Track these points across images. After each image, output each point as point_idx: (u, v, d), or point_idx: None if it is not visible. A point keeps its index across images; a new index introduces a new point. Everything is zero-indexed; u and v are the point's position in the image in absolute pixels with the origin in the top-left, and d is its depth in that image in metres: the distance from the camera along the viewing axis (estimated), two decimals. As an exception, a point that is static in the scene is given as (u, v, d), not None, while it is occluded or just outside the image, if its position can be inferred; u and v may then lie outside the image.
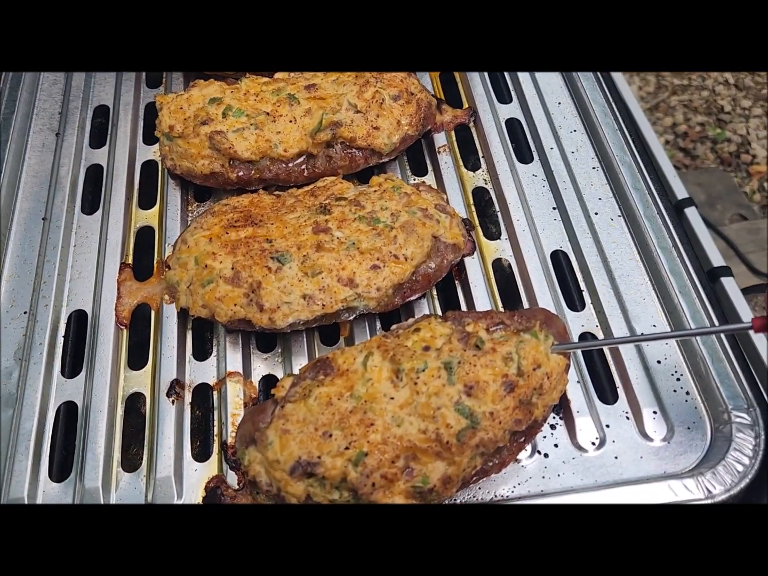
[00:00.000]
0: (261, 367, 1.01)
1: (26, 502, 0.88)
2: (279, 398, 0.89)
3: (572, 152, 1.20)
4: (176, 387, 0.97)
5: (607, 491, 0.87)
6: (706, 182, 3.57)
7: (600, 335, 1.02)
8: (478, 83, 1.30)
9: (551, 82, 1.29)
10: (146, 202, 1.18)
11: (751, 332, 0.91)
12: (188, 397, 0.97)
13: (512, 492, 0.89)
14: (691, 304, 1.00)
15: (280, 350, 1.02)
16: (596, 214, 1.12)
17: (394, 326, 0.94)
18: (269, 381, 0.99)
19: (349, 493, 0.82)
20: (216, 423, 0.95)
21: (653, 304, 1.03)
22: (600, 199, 1.14)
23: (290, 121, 1.12)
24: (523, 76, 1.31)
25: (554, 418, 0.95)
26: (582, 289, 1.06)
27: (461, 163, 1.21)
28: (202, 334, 1.05)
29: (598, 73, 1.27)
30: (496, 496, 0.88)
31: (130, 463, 0.94)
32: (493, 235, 1.13)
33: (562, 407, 0.95)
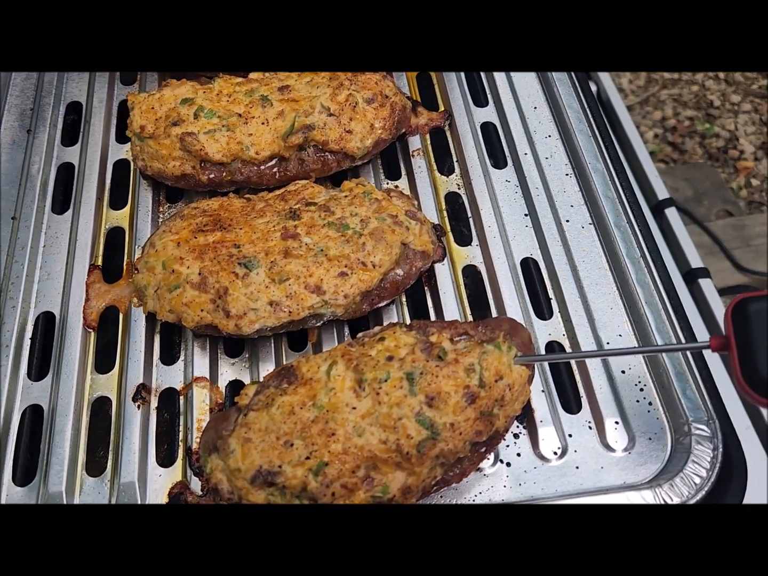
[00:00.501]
0: (228, 372, 1.01)
1: (-11, 507, 0.88)
2: (242, 406, 0.89)
3: (546, 158, 1.20)
4: (142, 391, 0.97)
5: (566, 501, 0.88)
6: (694, 177, 3.58)
7: (567, 344, 1.02)
8: (455, 86, 1.30)
9: (528, 86, 1.29)
10: (117, 203, 1.18)
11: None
12: (154, 402, 0.97)
13: (473, 501, 0.90)
14: (656, 314, 1.01)
15: (247, 355, 1.02)
16: (567, 221, 1.13)
17: (360, 334, 0.95)
18: (236, 386, 1.00)
19: (309, 502, 0.83)
20: (181, 428, 0.96)
21: (620, 314, 1.03)
22: (572, 206, 1.14)
23: (262, 123, 1.11)
24: (500, 80, 1.30)
25: (518, 427, 0.95)
26: (550, 297, 1.07)
27: (435, 167, 1.21)
28: (170, 338, 1.05)
29: (575, 79, 1.26)
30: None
31: (96, 467, 0.94)
32: (464, 241, 1.14)
33: (526, 416, 0.96)
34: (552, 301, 1.07)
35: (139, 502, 0.89)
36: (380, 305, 1.01)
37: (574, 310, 1.04)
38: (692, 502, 0.86)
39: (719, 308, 1.68)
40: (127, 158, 1.22)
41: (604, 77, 2.15)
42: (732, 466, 0.90)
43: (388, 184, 1.20)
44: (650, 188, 1.98)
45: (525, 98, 1.28)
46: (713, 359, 1.02)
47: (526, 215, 1.15)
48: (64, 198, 1.19)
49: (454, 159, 1.23)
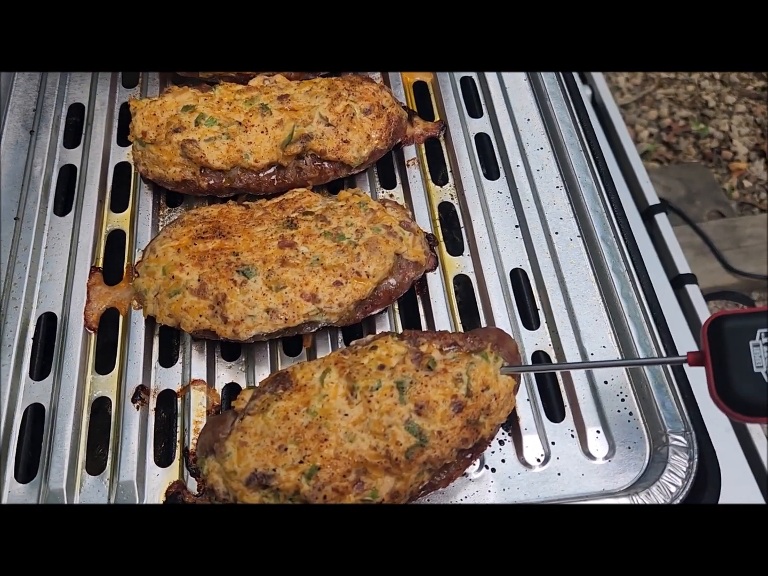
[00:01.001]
0: (225, 375, 1.04)
1: (-8, 502, 0.91)
2: (239, 410, 0.92)
3: (537, 170, 1.23)
4: (141, 393, 1.00)
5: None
6: (687, 177, 3.62)
7: (552, 354, 1.06)
8: (450, 96, 1.33)
9: (522, 98, 1.32)
10: (118, 205, 1.20)
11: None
12: (153, 403, 1.01)
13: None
14: (639, 328, 1.04)
15: (244, 359, 1.06)
16: (556, 233, 1.16)
17: (353, 342, 0.98)
18: (232, 389, 1.03)
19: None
20: (179, 429, 0.99)
21: (604, 326, 1.07)
22: (561, 218, 1.18)
23: (262, 132, 1.14)
24: (495, 91, 1.33)
25: (503, 434, 0.99)
26: (538, 307, 1.11)
27: (429, 176, 1.24)
28: (169, 341, 1.08)
29: (567, 93, 1.29)
30: (443, 508, 0.93)
31: (95, 465, 0.97)
32: (456, 250, 1.17)
33: (511, 424, 0.99)
34: (539, 311, 1.10)
35: (137, 501, 0.93)
36: (373, 313, 1.05)
37: (561, 321, 1.08)
38: (667, 509, 0.90)
39: (704, 314, 1.72)
40: (129, 161, 1.24)
41: (599, 80, 2.18)
42: (706, 476, 0.94)
43: (383, 192, 1.23)
44: (641, 193, 2.01)
45: (519, 110, 1.31)
46: (693, 371, 1.06)
47: (516, 226, 1.18)
48: (65, 200, 1.21)
49: (448, 169, 1.26)
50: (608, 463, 0.96)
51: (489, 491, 0.94)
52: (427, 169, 1.25)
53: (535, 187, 1.21)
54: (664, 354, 1.02)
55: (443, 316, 1.08)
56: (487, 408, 0.91)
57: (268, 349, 1.06)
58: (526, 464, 0.96)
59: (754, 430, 1.52)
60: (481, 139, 1.29)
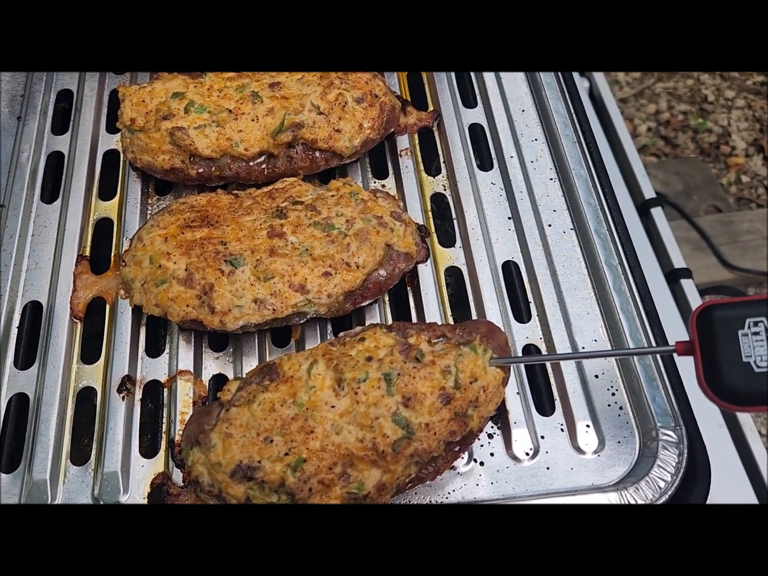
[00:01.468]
0: (212, 365, 1.03)
1: (-26, 492, 0.90)
2: (224, 401, 0.91)
3: (531, 162, 1.22)
4: (127, 383, 0.99)
5: (536, 501, 0.91)
6: (685, 172, 3.61)
7: (543, 347, 1.05)
8: (445, 86, 1.31)
9: (516, 88, 1.31)
10: (106, 193, 1.19)
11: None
12: (139, 394, 1.00)
13: (446, 498, 0.93)
14: (631, 321, 1.03)
15: (231, 350, 1.04)
16: (550, 226, 1.15)
17: (341, 334, 0.97)
18: (219, 380, 1.02)
19: (287, 497, 0.85)
20: (165, 420, 0.98)
21: (596, 319, 1.06)
22: (554, 211, 1.17)
23: (252, 120, 1.12)
24: (490, 81, 1.32)
25: (492, 427, 0.98)
26: (530, 300, 1.10)
27: (422, 167, 1.23)
28: (156, 331, 1.07)
29: (563, 84, 1.28)
30: (431, 502, 0.93)
31: (80, 456, 0.96)
32: (448, 242, 1.16)
33: (501, 417, 0.99)
34: (531, 304, 1.09)
35: (121, 492, 0.92)
36: (363, 304, 1.03)
37: (552, 314, 1.07)
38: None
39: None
40: (117, 149, 1.23)
41: (597, 73, 2.16)
42: (696, 471, 0.93)
43: (375, 183, 1.21)
44: (638, 187, 2.00)
45: (513, 101, 1.29)
46: (685, 365, 1.05)
47: (509, 218, 1.17)
48: (53, 187, 1.20)
49: (442, 159, 1.25)
50: (598, 457, 0.95)
51: (477, 485, 0.94)
52: (420, 159, 1.23)
53: (529, 179, 1.20)
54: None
55: (434, 308, 1.07)
56: (476, 400, 0.90)
57: (256, 340, 1.04)
58: (514, 458, 0.96)
59: (747, 425, 1.52)
60: (475, 130, 1.28)
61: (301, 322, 1.01)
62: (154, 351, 1.04)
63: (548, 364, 1.03)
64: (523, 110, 1.28)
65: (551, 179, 1.20)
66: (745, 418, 1.52)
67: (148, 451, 0.96)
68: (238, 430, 0.87)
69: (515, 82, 1.32)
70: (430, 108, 1.31)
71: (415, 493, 0.93)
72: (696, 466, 0.94)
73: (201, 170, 1.12)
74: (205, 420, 0.91)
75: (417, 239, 1.09)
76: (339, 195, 1.07)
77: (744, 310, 0.83)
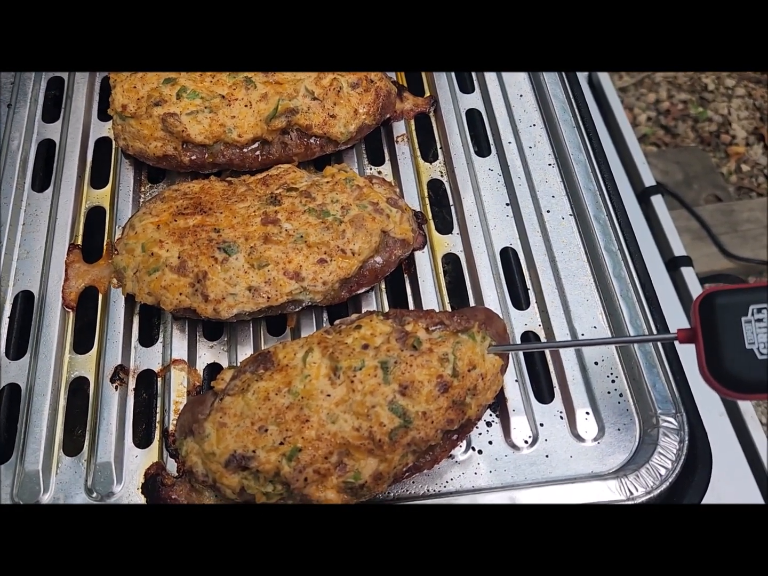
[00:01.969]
0: (206, 355, 1.02)
1: (-34, 484, 0.89)
2: (218, 391, 0.90)
3: (530, 147, 1.20)
4: (120, 373, 0.98)
5: (535, 489, 0.90)
6: (685, 161, 3.58)
7: (542, 334, 1.04)
8: (441, 71, 1.29)
9: (515, 73, 1.28)
10: (98, 181, 1.17)
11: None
12: (132, 383, 0.98)
13: (444, 487, 0.91)
14: (631, 308, 1.02)
15: (226, 339, 1.03)
16: (548, 212, 1.13)
17: (337, 321, 0.96)
18: (214, 369, 1.00)
19: (282, 487, 0.84)
20: (159, 410, 0.97)
21: (596, 306, 1.05)
22: (553, 197, 1.15)
23: (245, 106, 1.10)
24: (487, 66, 1.29)
25: (491, 415, 0.97)
26: (528, 287, 1.08)
27: (419, 153, 1.21)
28: (149, 320, 1.05)
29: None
30: (428, 490, 0.91)
31: (73, 446, 0.95)
32: (445, 228, 1.14)
33: (499, 405, 0.97)
34: (529, 291, 1.08)
35: (115, 482, 0.90)
36: (359, 292, 1.02)
37: (551, 301, 1.05)
38: (656, 492, 0.88)
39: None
40: (109, 136, 1.21)
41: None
42: (697, 458, 0.92)
43: (371, 169, 1.19)
44: (637, 175, 1.99)
45: (511, 85, 1.27)
46: (686, 352, 1.04)
47: (507, 204, 1.15)
48: (44, 175, 1.18)
49: (438, 145, 1.23)
50: (597, 445, 0.94)
51: (476, 473, 0.92)
52: (416, 145, 1.22)
53: (527, 165, 1.18)
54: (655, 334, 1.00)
55: (431, 295, 1.05)
56: (474, 388, 0.89)
57: (251, 329, 1.03)
58: (513, 446, 0.94)
59: (748, 413, 1.51)
60: (473, 115, 1.26)
61: (297, 310, 1.00)
62: (147, 340, 1.02)
63: (547, 352, 1.02)
64: (521, 95, 1.26)
65: (550, 165, 1.18)
66: (746, 407, 1.51)
67: (142, 441, 0.95)
68: (232, 420, 0.86)
69: (513, 66, 1.29)
70: (427, 93, 1.29)
71: (413, 483, 0.92)
72: (697, 453, 0.92)
73: (194, 157, 1.10)
74: (198, 409, 0.89)
75: (414, 226, 1.07)
76: (334, 181, 1.06)
77: (747, 296, 0.81)
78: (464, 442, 0.94)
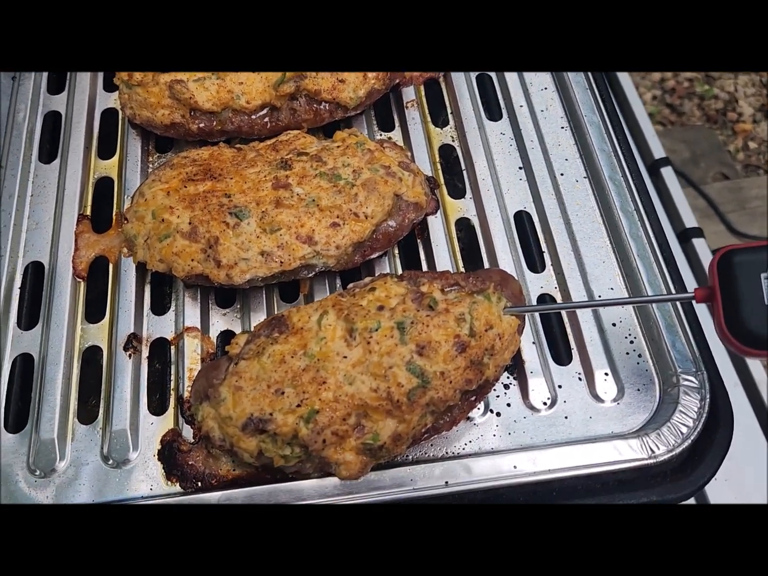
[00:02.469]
0: (219, 322, 1.01)
1: (-19, 452, 0.88)
2: (233, 355, 0.89)
3: (542, 110, 1.18)
4: (133, 341, 0.97)
5: (555, 450, 0.89)
6: (691, 139, 3.55)
7: (559, 297, 1.02)
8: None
9: (524, 36, 1.26)
10: (106, 152, 1.16)
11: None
12: (145, 352, 0.97)
13: (463, 449, 0.90)
14: (648, 268, 1.00)
15: (239, 306, 1.02)
16: (562, 174, 1.12)
17: (350, 285, 0.94)
18: (227, 336, 0.99)
19: (300, 449, 0.83)
20: (173, 377, 0.96)
21: (612, 267, 1.03)
22: (566, 159, 1.13)
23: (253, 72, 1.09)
24: (497, 30, 1.27)
25: (508, 378, 0.96)
26: (543, 250, 1.07)
27: (429, 119, 1.19)
28: (161, 289, 1.04)
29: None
30: (447, 453, 0.90)
31: (87, 415, 0.94)
32: (457, 193, 1.13)
33: (517, 367, 0.96)
34: (545, 254, 1.06)
35: (131, 450, 0.90)
36: (372, 257, 1.01)
37: (567, 263, 1.04)
38: (678, 451, 0.87)
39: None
40: (116, 107, 1.19)
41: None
42: (718, 417, 0.91)
43: (381, 135, 1.18)
44: (647, 147, 1.97)
45: (521, 49, 1.25)
46: (704, 314, 1.03)
47: (520, 168, 1.14)
48: (51, 147, 1.17)
49: (449, 111, 1.21)
50: (617, 405, 0.93)
51: (494, 435, 0.91)
52: (426, 111, 1.20)
53: (540, 128, 1.16)
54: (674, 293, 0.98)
55: (445, 260, 1.04)
56: (491, 348, 0.87)
57: (264, 296, 1.02)
58: (532, 408, 0.93)
59: (762, 383, 1.49)
60: (483, 80, 1.24)
61: (310, 275, 0.99)
62: (159, 309, 1.01)
63: (564, 314, 1.01)
64: (532, 59, 1.24)
65: (562, 128, 1.16)
66: (761, 378, 1.50)
67: (157, 408, 0.94)
68: (247, 383, 0.85)
69: (523, 30, 1.27)
70: (436, 59, 1.27)
71: (431, 445, 0.91)
72: (718, 412, 0.91)
73: (202, 125, 1.09)
74: (213, 374, 0.88)
75: (426, 189, 1.05)
76: (345, 146, 1.04)
77: (766, 253, 0.80)
78: (482, 404, 0.93)
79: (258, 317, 1.00)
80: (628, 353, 0.97)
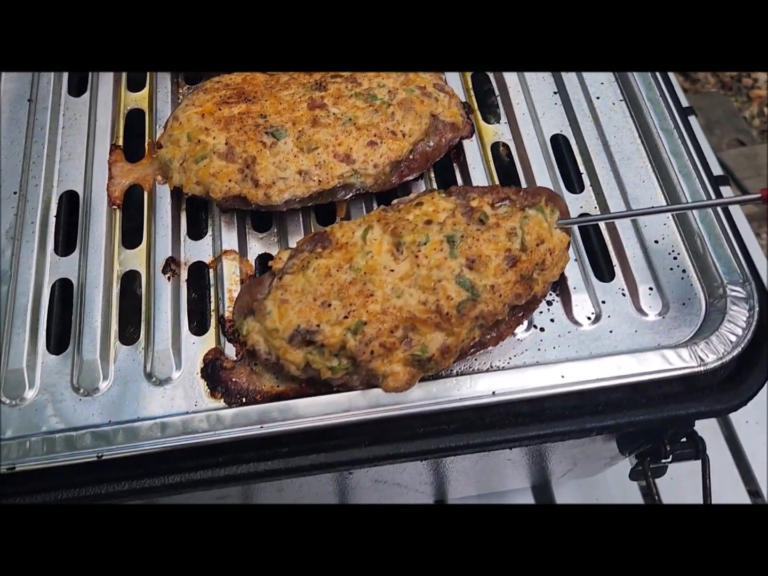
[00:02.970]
0: (257, 246, 1.00)
1: (25, 373, 0.88)
2: (276, 270, 0.88)
3: (575, 36, 1.16)
4: (172, 264, 0.96)
5: (601, 360, 0.88)
6: (706, 106, 3.50)
7: (599, 217, 1.01)
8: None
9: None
10: (135, 84, 1.14)
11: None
12: (184, 275, 0.96)
13: (508, 363, 0.90)
14: (691, 183, 0.99)
15: (275, 230, 1.01)
16: (598, 98, 1.10)
17: (394, 201, 0.94)
18: (265, 259, 0.98)
19: (348, 361, 0.83)
20: (213, 299, 0.95)
21: (653, 186, 1.02)
22: (602, 83, 1.11)
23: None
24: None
25: (551, 294, 0.95)
26: (581, 172, 1.05)
27: (460, 46, 1.17)
28: (197, 214, 1.03)
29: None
30: (492, 366, 0.90)
31: (128, 338, 0.93)
32: (492, 120, 1.11)
33: (559, 284, 0.95)
34: (583, 175, 1.05)
35: (173, 369, 0.89)
36: (409, 178, 1.00)
37: (606, 183, 1.02)
38: (728, 359, 0.86)
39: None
40: (142, 40, 1.18)
41: None
42: (766, 329, 0.90)
43: (412, 63, 1.16)
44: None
45: (552, -24, 1.23)
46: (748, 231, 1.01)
47: (555, 93, 1.12)
48: (80, 80, 1.15)
49: (480, 39, 1.19)
50: (662, 319, 0.92)
51: (539, 350, 0.91)
52: (457, 38, 1.18)
53: (573, 53, 1.14)
54: (719, 207, 0.97)
55: (482, 182, 1.03)
56: (542, 263, 0.87)
57: (301, 219, 1.01)
58: (576, 322, 0.92)
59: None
60: (514, 7, 1.22)
61: (347, 197, 0.98)
62: (196, 234, 1.00)
63: (606, 232, 0.99)
64: (563, -15, 1.22)
65: (597, 52, 1.14)
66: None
67: (198, 329, 0.94)
68: (293, 296, 0.84)
69: (553, -43, 1.25)
70: (465, -11, 1.25)
71: (476, 360, 0.90)
72: (765, 324, 0.90)
73: (233, 52, 1.07)
74: (257, 290, 0.88)
75: (462, 111, 1.04)
76: (379, 68, 1.03)
77: None
78: (526, 321, 0.92)
79: (296, 240, 0.99)
80: (672, 269, 0.96)
